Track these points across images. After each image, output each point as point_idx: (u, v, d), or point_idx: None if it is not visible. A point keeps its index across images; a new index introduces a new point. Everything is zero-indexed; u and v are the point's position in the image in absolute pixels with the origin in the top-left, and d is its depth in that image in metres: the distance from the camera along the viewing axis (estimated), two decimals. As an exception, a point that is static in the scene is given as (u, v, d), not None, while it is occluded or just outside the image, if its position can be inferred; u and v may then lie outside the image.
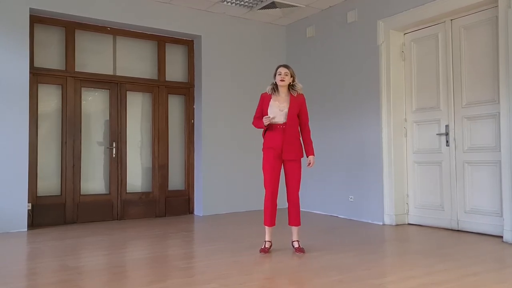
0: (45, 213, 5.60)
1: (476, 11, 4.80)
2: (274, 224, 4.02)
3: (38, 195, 5.59)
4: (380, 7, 5.63)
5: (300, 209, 4.06)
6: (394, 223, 5.43)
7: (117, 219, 6.07)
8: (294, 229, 4.02)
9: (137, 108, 6.39)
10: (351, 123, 6.00)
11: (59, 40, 5.85)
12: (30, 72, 5.41)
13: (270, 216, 3.99)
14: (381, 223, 5.51)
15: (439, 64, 5.20)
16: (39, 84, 5.65)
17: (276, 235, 4.30)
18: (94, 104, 6.14)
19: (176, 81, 6.66)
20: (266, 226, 4.02)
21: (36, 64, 5.64)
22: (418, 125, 5.46)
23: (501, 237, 4.42)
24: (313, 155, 4.08)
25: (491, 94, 4.68)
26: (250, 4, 6.32)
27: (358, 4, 5.93)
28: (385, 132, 5.53)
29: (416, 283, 3.04)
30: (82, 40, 5.99)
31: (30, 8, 5.37)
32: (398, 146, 5.53)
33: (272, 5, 6.32)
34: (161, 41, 6.52)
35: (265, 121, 3.89)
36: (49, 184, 5.71)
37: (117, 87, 6.17)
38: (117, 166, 6.12)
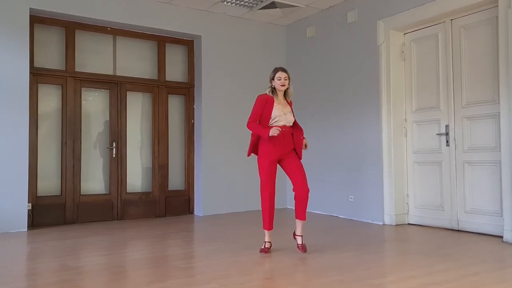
0: (45, 213, 5.60)
1: (476, 11, 4.80)
2: (272, 228, 4.01)
3: (38, 195, 5.59)
4: (380, 7, 5.63)
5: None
6: (394, 223, 5.43)
7: (117, 219, 6.07)
8: (299, 223, 3.95)
9: (137, 108, 6.39)
10: (351, 123, 6.00)
11: (59, 40, 5.85)
12: (30, 72, 5.41)
13: (269, 219, 3.97)
14: (381, 223, 5.51)
15: (439, 64, 5.20)
16: (39, 84, 5.65)
17: (276, 235, 4.30)
18: (94, 104, 6.14)
19: (176, 81, 6.66)
20: (265, 230, 4.01)
21: (36, 64, 5.65)
22: (418, 125, 5.46)
23: (501, 237, 4.42)
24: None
25: (491, 94, 4.68)
26: (250, 4, 6.32)
27: (358, 4, 5.93)
28: (385, 132, 5.53)
29: (416, 283, 3.04)
30: (82, 40, 5.99)
31: (30, 8, 5.37)
32: (398, 146, 5.53)
33: (272, 5, 6.32)
34: (161, 41, 6.52)
35: (276, 132, 3.76)
36: (49, 184, 5.71)
37: (117, 87, 6.17)
38: (117, 166, 6.12)
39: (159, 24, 6.23)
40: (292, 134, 4.02)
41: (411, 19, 5.30)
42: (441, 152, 5.16)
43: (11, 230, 5.12)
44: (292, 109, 4.08)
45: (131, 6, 6.01)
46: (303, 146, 4.04)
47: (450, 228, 5.03)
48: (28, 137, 5.31)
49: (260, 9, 6.46)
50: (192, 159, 6.69)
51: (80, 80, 5.92)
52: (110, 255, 4.03)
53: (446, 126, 5.11)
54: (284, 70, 3.98)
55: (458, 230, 4.94)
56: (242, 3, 6.26)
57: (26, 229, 5.22)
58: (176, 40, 6.63)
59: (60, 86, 5.81)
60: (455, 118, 5.03)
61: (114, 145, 6.11)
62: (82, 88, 5.95)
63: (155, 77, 6.50)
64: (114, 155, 6.10)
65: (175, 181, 6.62)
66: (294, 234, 4.02)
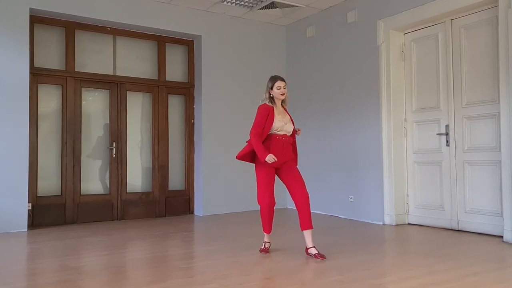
0: (45, 213, 5.60)
1: (476, 11, 4.80)
2: (271, 231, 4.01)
3: (38, 195, 5.59)
4: (380, 7, 5.63)
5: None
6: (394, 223, 5.43)
7: (117, 219, 6.07)
8: (308, 234, 3.77)
9: (137, 108, 6.39)
10: (351, 123, 6.00)
11: (59, 40, 5.85)
12: (30, 72, 5.41)
13: (268, 224, 3.96)
14: (381, 223, 5.51)
15: (439, 64, 5.20)
16: (39, 84, 5.65)
17: (276, 235, 4.30)
18: (94, 104, 6.14)
19: (176, 81, 6.66)
20: (265, 233, 4.02)
21: (36, 64, 5.65)
22: (418, 125, 5.45)
23: (501, 237, 4.42)
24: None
25: (491, 94, 4.68)
26: (250, 4, 6.32)
27: (358, 4, 5.93)
28: (385, 132, 5.53)
29: (416, 283, 3.04)
30: (82, 40, 5.99)
31: (30, 8, 5.37)
32: (398, 146, 5.53)
33: (272, 5, 6.32)
34: (161, 41, 6.52)
35: (271, 161, 3.73)
36: (49, 184, 5.71)
37: (117, 87, 6.17)
38: (117, 166, 6.12)
39: (159, 24, 6.23)
40: (291, 144, 4.00)
41: (411, 19, 5.30)
42: (441, 152, 5.16)
43: (11, 230, 5.12)
44: (291, 118, 4.07)
45: (131, 6, 6.01)
46: (296, 131, 4.04)
47: (450, 228, 5.03)
48: (28, 137, 5.31)
49: (260, 9, 6.46)
50: (192, 159, 6.69)
51: (80, 80, 5.92)
52: (110, 255, 4.03)
53: (446, 126, 5.11)
54: (282, 79, 3.95)
55: (458, 230, 4.94)
56: (242, 3, 6.26)
57: (26, 229, 5.22)
58: (176, 40, 6.63)
59: (60, 86, 5.81)
60: (455, 118, 5.03)
61: (114, 145, 6.11)
62: (82, 88, 5.95)
63: (155, 77, 6.50)
64: (114, 155, 6.10)
65: (175, 181, 6.62)
66: (307, 249, 3.78)
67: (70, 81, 5.85)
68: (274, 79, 3.94)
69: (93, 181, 6.03)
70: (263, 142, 3.85)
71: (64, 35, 5.86)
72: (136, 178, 6.33)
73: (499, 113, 4.46)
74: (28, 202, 5.32)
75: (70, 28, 5.87)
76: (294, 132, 4.06)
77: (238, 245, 4.29)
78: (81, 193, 5.87)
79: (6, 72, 5.20)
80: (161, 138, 6.46)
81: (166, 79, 6.56)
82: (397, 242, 4.65)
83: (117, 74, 6.20)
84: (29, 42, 5.36)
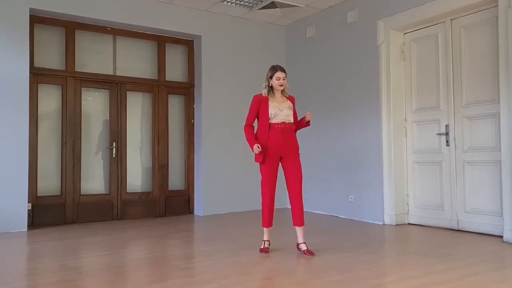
0: (45, 213, 5.60)
1: (476, 11, 4.80)
2: (272, 225, 4.02)
3: (38, 195, 5.59)
4: (380, 7, 5.63)
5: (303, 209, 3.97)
6: (394, 223, 5.43)
7: (117, 219, 6.07)
8: (299, 230, 3.91)
9: (137, 108, 6.39)
10: (351, 123, 6.00)
11: (59, 40, 5.85)
12: (30, 72, 5.41)
13: (268, 217, 3.98)
14: (381, 223, 5.51)
15: (439, 64, 5.20)
16: (39, 84, 5.65)
17: (276, 235, 4.30)
18: (94, 104, 6.14)
19: (176, 81, 6.66)
20: (264, 228, 4.02)
21: (36, 64, 5.65)
22: (418, 125, 5.45)
23: (501, 237, 4.42)
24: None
25: (491, 94, 4.68)
26: (250, 4, 6.32)
27: (358, 4, 5.93)
28: (385, 132, 5.53)
29: (416, 283, 3.04)
30: (82, 40, 5.99)
31: (30, 8, 5.37)
32: (398, 146, 5.53)
33: (272, 5, 6.32)
34: (161, 41, 6.52)
35: (257, 151, 3.83)
36: (49, 184, 5.71)
37: (117, 87, 6.17)
38: (117, 166, 6.12)
39: (159, 24, 6.23)
40: (295, 130, 4.02)
41: (411, 19, 5.30)
42: (441, 152, 5.16)
43: (11, 230, 5.12)
44: (293, 104, 4.06)
45: (131, 6, 6.01)
46: (306, 119, 4.00)
47: (450, 228, 5.03)
48: (28, 137, 5.31)
49: (260, 9, 6.46)
50: (192, 159, 6.69)
51: (80, 80, 5.92)
52: (110, 255, 4.03)
53: (446, 126, 5.10)
54: (283, 70, 3.98)
55: (458, 230, 4.94)
56: (242, 3, 6.26)
57: (26, 229, 5.22)
58: (176, 40, 6.63)
59: (60, 86, 5.81)
60: (455, 118, 5.03)
61: (114, 145, 6.11)
62: (82, 88, 5.94)
63: (155, 77, 6.50)
64: (114, 155, 6.10)
65: (175, 181, 6.62)
66: (298, 245, 3.93)
67: (70, 81, 5.85)
68: (274, 69, 3.97)
69: (93, 181, 6.03)
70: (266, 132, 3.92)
71: (64, 35, 5.86)
72: (136, 178, 6.33)
73: (499, 113, 4.46)
74: (28, 202, 5.32)
75: (70, 28, 5.87)
76: (296, 119, 4.05)
77: (238, 245, 4.29)
78: (81, 193, 5.87)
79: (6, 72, 5.20)
80: (161, 138, 6.46)
81: (166, 79, 6.56)
82: (397, 242, 4.65)
83: (117, 74, 6.20)
84: (29, 42, 5.37)
